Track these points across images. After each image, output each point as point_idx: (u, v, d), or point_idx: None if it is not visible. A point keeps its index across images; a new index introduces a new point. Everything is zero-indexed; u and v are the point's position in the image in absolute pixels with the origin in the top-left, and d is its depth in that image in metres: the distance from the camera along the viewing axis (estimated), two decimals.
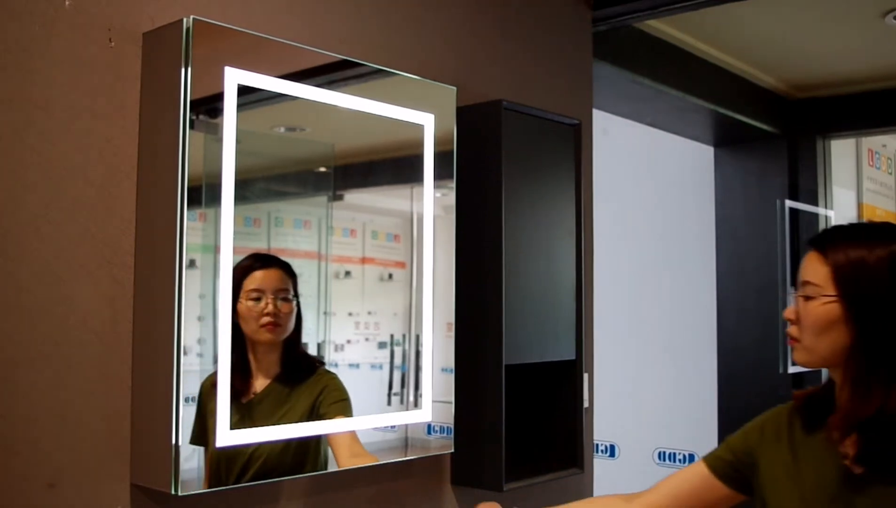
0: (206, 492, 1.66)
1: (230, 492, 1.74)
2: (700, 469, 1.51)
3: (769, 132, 4.39)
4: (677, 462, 3.86)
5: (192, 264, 1.63)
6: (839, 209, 4.63)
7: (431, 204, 2.12)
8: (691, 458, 3.75)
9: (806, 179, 4.48)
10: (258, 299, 1.77)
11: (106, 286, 1.62)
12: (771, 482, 1.40)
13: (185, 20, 1.61)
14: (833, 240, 1.33)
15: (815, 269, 1.32)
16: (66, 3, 1.58)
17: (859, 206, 4.91)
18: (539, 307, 2.35)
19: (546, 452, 2.48)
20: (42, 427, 1.52)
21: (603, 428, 3.05)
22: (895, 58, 3.92)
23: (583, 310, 2.46)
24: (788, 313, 1.36)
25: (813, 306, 1.31)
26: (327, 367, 1.91)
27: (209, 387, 1.63)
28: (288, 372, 1.83)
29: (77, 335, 1.58)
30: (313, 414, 1.86)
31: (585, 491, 2.72)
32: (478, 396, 2.22)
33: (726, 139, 4.53)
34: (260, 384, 1.79)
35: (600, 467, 2.84)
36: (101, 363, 1.61)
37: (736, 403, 4.11)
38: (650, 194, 4.28)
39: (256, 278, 1.77)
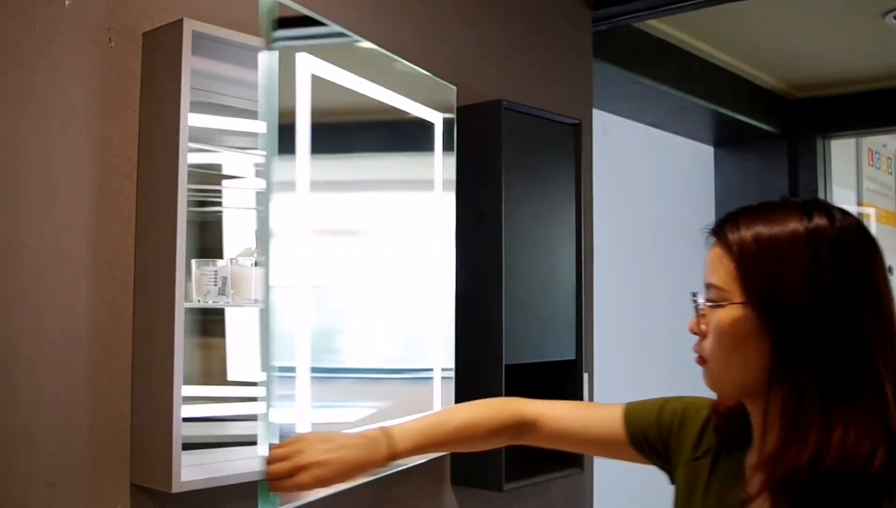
0: (206, 491, 1.66)
1: (230, 491, 1.74)
2: (616, 420, 1.26)
3: (769, 132, 4.39)
4: None
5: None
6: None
7: (439, 206, 2.12)
8: None
9: (806, 179, 4.48)
10: None
11: (106, 286, 1.62)
12: (686, 491, 1.15)
13: (185, 21, 1.61)
14: (736, 225, 1.01)
15: (716, 267, 1.02)
16: (66, 3, 1.58)
17: (859, 206, 4.91)
18: (539, 307, 2.35)
19: (546, 452, 2.48)
20: (42, 427, 1.52)
21: None
22: (895, 58, 3.92)
23: (583, 310, 2.46)
24: (692, 325, 1.05)
25: (718, 316, 1.00)
26: None
27: None
28: None
29: (77, 335, 1.58)
30: None
31: (585, 491, 2.73)
32: (478, 396, 2.21)
33: (726, 139, 4.53)
34: None
35: (600, 467, 2.84)
36: (101, 363, 1.61)
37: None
38: (650, 194, 4.28)
39: None
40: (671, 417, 1.21)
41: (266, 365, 1.47)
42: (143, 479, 1.63)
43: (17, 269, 1.51)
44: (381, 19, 2.18)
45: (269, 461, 1.18)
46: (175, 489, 1.57)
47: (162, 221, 1.62)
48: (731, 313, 0.99)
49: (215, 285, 1.81)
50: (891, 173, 5.30)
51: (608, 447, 1.27)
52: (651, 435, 1.22)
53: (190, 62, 1.60)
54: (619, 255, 3.90)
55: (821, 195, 4.50)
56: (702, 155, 4.60)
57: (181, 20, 1.61)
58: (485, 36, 2.49)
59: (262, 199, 1.87)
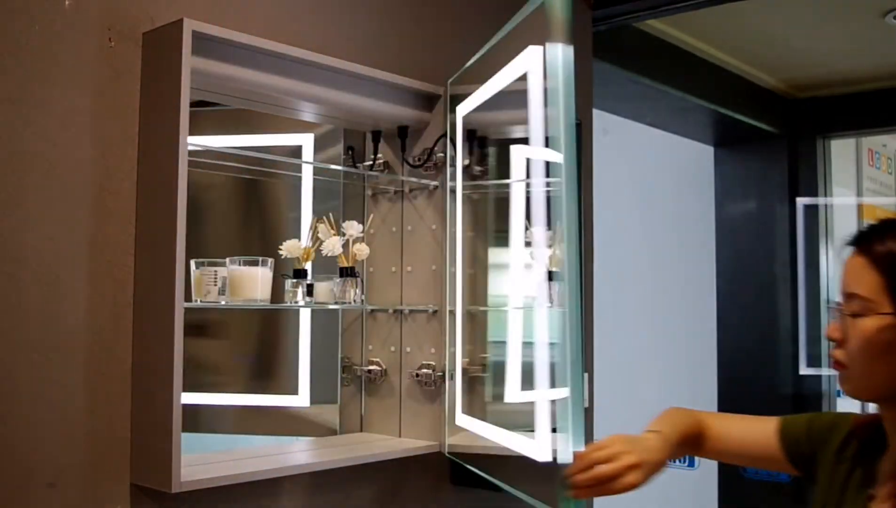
0: (206, 491, 1.66)
1: (230, 491, 1.74)
2: (770, 434, 1.34)
3: (769, 132, 4.38)
4: (677, 463, 3.85)
5: None
6: (839, 209, 4.62)
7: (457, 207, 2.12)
8: (691, 460, 3.74)
9: (806, 179, 4.48)
10: None
11: (106, 286, 1.62)
12: (824, 492, 1.24)
13: (185, 21, 1.61)
14: (883, 238, 1.07)
15: (861, 277, 1.07)
16: (66, 3, 1.58)
17: (859, 206, 4.91)
18: None
19: None
20: (42, 427, 1.52)
21: (603, 428, 3.04)
22: (895, 58, 3.92)
23: (583, 310, 2.46)
24: (832, 331, 1.12)
25: (863, 325, 1.06)
26: None
27: None
28: None
29: (77, 335, 1.58)
30: None
31: None
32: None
33: (726, 139, 4.53)
34: None
35: None
36: (101, 363, 1.61)
37: (736, 403, 4.09)
38: (650, 194, 4.27)
39: None
40: (820, 427, 1.29)
41: (575, 370, 1.39)
42: (143, 479, 1.63)
43: (18, 269, 1.51)
44: (379, 21, 2.17)
45: (586, 465, 1.19)
46: (175, 489, 1.56)
47: (162, 221, 1.62)
48: (878, 322, 1.05)
49: (215, 285, 1.81)
50: (891, 173, 5.29)
51: (762, 459, 1.36)
52: (803, 444, 1.30)
53: (190, 62, 1.60)
54: (619, 255, 3.90)
55: (821, 195, 4.51)
56: (702, 155, 4.60)
57: (181, 20, 1.61)
58: (483, 36, 2.49)
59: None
